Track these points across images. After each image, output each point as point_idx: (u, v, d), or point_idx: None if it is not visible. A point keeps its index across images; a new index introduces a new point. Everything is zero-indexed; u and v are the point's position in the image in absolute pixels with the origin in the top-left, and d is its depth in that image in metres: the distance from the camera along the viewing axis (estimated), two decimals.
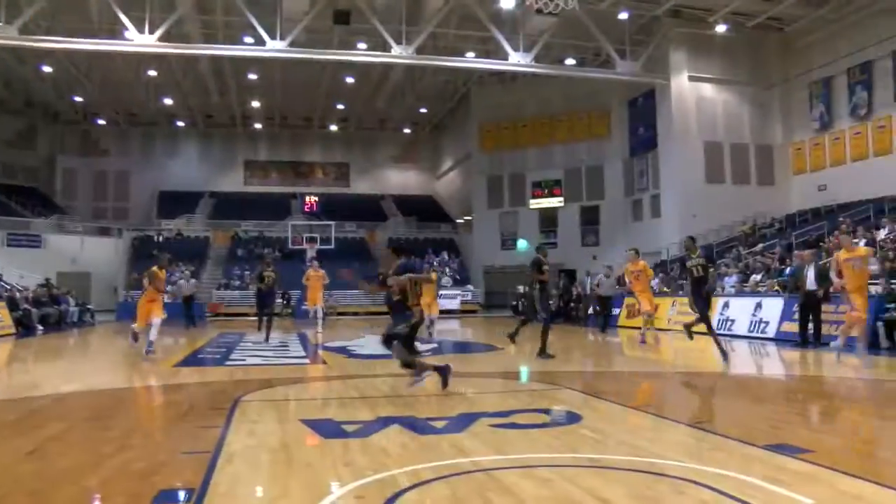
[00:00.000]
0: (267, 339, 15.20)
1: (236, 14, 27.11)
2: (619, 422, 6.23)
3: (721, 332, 17.30)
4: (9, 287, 25.32)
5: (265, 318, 15.81)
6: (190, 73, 37.11)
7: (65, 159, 45.10)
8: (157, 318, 12.33)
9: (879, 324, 13.62)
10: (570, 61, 31.86)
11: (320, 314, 17.17)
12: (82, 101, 41.57)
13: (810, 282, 13.71)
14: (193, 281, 21.64)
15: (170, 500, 3.96)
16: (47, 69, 35.34)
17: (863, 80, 26.43)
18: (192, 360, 12.60)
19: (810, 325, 13.81)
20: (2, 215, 36.37)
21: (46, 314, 23.03)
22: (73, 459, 4.83)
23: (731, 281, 20.25)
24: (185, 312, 23.12)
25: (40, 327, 21.72)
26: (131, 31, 25.37)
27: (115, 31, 26.84)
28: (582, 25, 27.25)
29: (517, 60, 27.83)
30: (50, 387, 9.14)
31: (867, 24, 26.09)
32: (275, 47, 26.42)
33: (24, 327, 21.03)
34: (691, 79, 29.60)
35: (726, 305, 17.85)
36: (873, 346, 13.35)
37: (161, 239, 39.09)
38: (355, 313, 32.77)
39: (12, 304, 21.57)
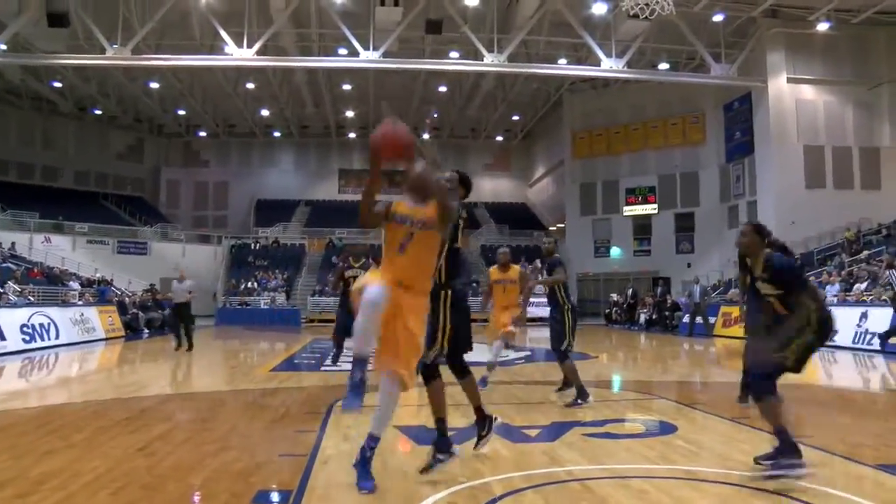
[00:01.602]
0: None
1: (331, 26, 27.81)
2: (714, 433, 6.08)
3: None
4: (119, 292, 26.66)
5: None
6: (286, 84, 38.26)
7: (169, 171, 47.23)
8: None
9: None
10: (663, 66, 31.27)
11: None
12: (185, 114, 43.48)
13: None
14: (189, 283, 16.09)
15: (268, 501, 4.12)
16: (154, 85, 37.15)
17: None
18: (288, 365, 12.95)
19: None
20: (113, 224, 38.45)
21: (152, 318, 24.17)
22: (179, 458, 5.06)
23: (833, 290, 19.45)
24: (176, 325, 16.40)
25: (146, 330, 22.84)
26: (230, 46, 26.39)
27: (216, 47, 28.01)
28: (675, 29, 26.74)
29: (609, 66, 27.53)
30: (156, 388, 9.58)
31: None
32: (368, 58, 26.96)
33: (132, 330, 22.18)
34: (790, 80, 28.60)
35: None
36: None
37: (258, 247, 40.32)
38: None
39: (122, 309, 22.78)
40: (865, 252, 23.51)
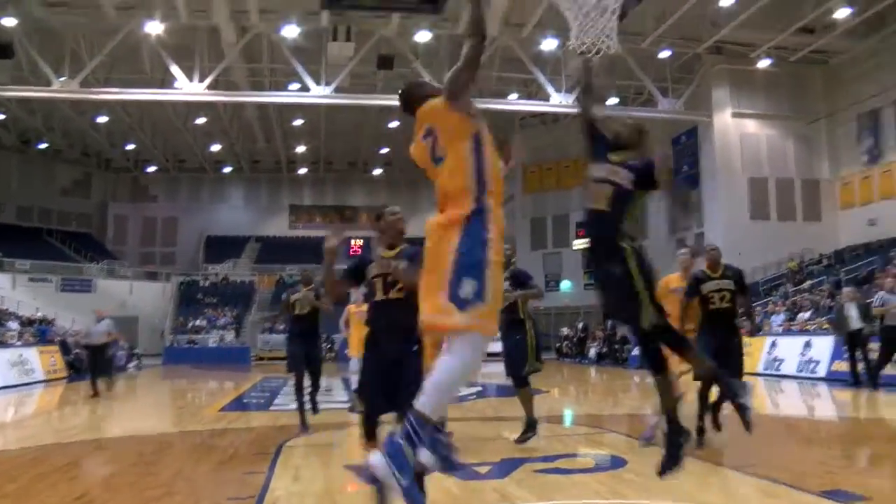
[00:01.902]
0: (304, 422, 8.39)
1: (282, 62, 27.77)
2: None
3: (769, 371, 17.00)
4: (62, 332, 25.94)
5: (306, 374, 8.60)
6: (237, 119, 38.03)
7: (116, 206, 46.26)
8: None
9: None
10: (612, 101, 31.90)
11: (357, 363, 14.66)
12: (134, 148, 42.79)
13: (854, 320, 13.45)
14: (107, 322, 14.97)
15: None
16: (102, 119, 36.53)
17: None
18: (237, 404, 12.72)
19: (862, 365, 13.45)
20: (57, 261, 37.48)
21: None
22: None
23: (778, 319, 19.87)
24: (93, 368, 15.34)
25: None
26: (181, 80, 26.16)
27: (166, 81, 27.72)
28: (624, 64, 27.35)
29: (559, 101, 27.97)
30: (100, 431, 9.30)
31: None
32: (319, 93, 26.95)
33: (75, 370, 21.50)
34: (734, 115, 29.37)
35: (774, 345, 17.49)
36: None
37: (207, 283, 39.71)
38: None
39: (65, 349, 22.11)
40: (808, 282, 24.11)
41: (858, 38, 26.67)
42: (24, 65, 26.39)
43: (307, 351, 8.49)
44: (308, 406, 8.52)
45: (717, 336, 6.72)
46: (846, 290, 15.41)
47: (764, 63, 28.37)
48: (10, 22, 24.04)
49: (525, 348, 7.02)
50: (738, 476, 5.61)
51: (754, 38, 27.12)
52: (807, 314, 19.18)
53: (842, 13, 24.75)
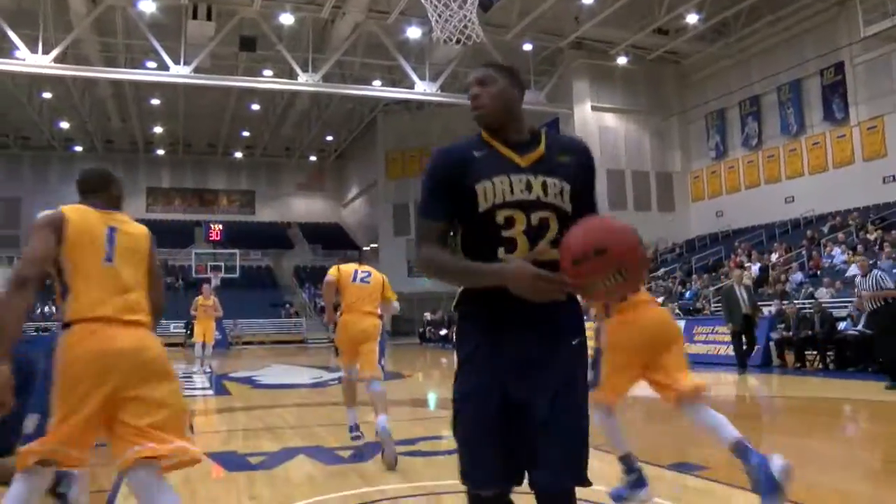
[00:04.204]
0: None
1: (139, 38, 26.40)
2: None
3: None
4: None
5: None
6: (88, 96, 35.86)
7: None
8: None
9: (772, 343, 14.26)
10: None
11: (209, 351, 15.24)
12: None
13: (745, 304, 13.28)
14: None
15: None
16: None
17: (753, 112, 27.80)
18: None
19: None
20: None
21: None
22: None
23: None
24: None
25: None
26: (23, 51, 24.30)
27: (4, 50, 25.69)
28: (488, 55, 27.74)
29: (423, 89, 28.05)
30: None
31: (754, 61, 27.59)
32: (179, 73, 25.80)
33: None
34: (594, 108, 30.43)
35: None
36: (766, 366, 13.95)
37: None
38: (261, 342, 32.10)
39: None
40: (662, 269, 25.40)
41: (707, 43, 28.28)
42: None
43: None
44: None
45: None
46: (737, 272, 15.64)
47: (622, 60, 29.55)
48: None
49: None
50: (597, 454, 5.79)
51: (614, 35, 28.20)
52: (660, 299, 20.16)
53: (692, 18, 26.22)
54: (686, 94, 31.07)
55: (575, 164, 2.38)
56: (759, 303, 14.99)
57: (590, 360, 3.00)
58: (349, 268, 6.09)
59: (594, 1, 25.23)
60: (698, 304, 18.77)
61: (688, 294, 20.23)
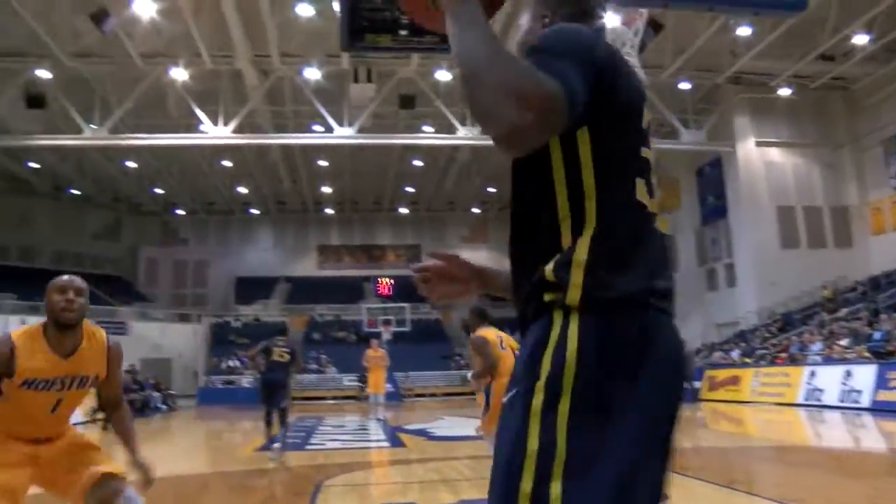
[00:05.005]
0: (272, 442, 10.33)
1: (305, 103, 28.22)
2: (704, 500, 6.03)
3: (810, 402, 16.70)
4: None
5: (274, 412, 10.43)
6: (262, 161, 38.52)
7: (147, 249, 46.89)
8: None
9: None
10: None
11: (381, 400, 16.22)
12: (163, 192, 43.51)
13: None
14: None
15: None
16: (131, 164, 37.24)
17: None
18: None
19: None
20: (91, 304, 37.81)
21: (132, 400, 23.71)
22: None
23: (816, 348, 19.56)
24: None
25: None
26: (206, 125, 26.69)
27: (192, 126, 28.27)
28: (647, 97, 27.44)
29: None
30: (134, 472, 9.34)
31: None
32: (343, 134, 27.33)
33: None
34: (758, 144, 29.27)
35: (813, 374, 17.20)
36: None
37: (239, 324, 39.98)
38: (432, 395, 32.65)
39: None
40: (844, 310, 23.78)
41: (879, 64, 26.61)
42: (56, 114, 27.06)
43: (275, 390, 10.28)
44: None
45: None
46: None
47: (784, 91, 28.32)
48: (44, 74, 24.80)
49: None
50: None
51: (774, 66, 27.12)
52: (844, 341, 18.87)
53: (860, 39, 24.74)
54: (858, 121, 29.22)
55: None
56: None
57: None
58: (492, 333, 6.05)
59: (751, 33, 24.41)
60: (889, 347, 17.36)
61: (877, 335, 18.77)
